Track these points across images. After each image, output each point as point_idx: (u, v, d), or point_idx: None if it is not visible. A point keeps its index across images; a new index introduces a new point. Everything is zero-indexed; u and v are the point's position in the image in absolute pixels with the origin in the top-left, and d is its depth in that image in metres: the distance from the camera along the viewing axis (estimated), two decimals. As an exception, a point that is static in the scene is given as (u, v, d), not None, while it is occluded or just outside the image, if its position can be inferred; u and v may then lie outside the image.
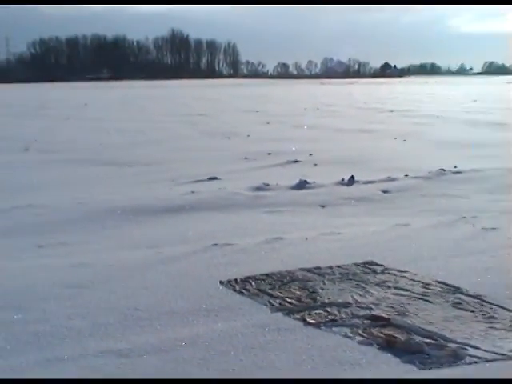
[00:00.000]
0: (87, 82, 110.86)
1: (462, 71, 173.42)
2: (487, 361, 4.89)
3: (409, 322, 5.66)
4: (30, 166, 16.58)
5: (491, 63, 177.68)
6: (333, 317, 5.80)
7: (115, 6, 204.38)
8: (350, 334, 5.40)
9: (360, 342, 5.25)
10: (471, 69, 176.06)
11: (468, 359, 4.91)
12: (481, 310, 5.96)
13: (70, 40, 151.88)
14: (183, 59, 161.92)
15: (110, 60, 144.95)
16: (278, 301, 6.21)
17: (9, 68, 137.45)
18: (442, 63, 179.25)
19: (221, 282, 6.72)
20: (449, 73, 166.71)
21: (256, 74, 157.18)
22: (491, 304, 6.10)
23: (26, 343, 5.25)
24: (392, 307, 6.04)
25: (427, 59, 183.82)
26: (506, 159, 16.05)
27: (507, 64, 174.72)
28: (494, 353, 5.01)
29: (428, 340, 5.22)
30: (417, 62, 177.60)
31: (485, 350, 5.05)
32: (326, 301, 6.21)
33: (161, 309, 5.97)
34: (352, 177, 13.15)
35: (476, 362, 4.86)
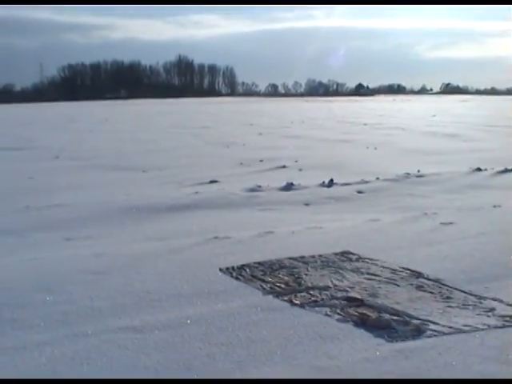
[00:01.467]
0: (107, 101, 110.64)
1: (424, 91, 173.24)
2: (444, 334, 4.89)
3: (379, 302, 5.65)
4: (60, 171, 16.56)
5: (448, 84, 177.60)
6: (315, 298, 5.79)
7: (133, 36, 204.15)
8: (329, 313, 5.40)
9: (338, 320, 5.24)
10: (431, 89, 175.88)
11: (428, 333, 4.91)
12: (439, 292, 5.96)
13: (93, 65, 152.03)
14: (188, 81, 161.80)
15: (127, 82, 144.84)
16: (268, 285, 6.20)
17: (42, 89, 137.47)
18: (406, 84, 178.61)
19: (220, 269, 6.71)
20: (412, 92, 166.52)
21: (250, 92, 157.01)
22: (448, 286, 6.10)
23: (57, 321, 5.25)
24: (365, 290, 6.03)
25: (394, 80, 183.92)
26: (460, 164, 16.05)
27: (461, 85, 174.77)
28: (450, 327, 5.01)
29: (395, 317, 5.21)
30: (386, 82, 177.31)
31: (443, 325, 5.05)
32: (310, 285, 6.20)
33: (169, 292, 5.96)
34: (331, 180, 13.14)
35: (435, 336, 4.86)
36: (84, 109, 73.37)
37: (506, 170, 14.92)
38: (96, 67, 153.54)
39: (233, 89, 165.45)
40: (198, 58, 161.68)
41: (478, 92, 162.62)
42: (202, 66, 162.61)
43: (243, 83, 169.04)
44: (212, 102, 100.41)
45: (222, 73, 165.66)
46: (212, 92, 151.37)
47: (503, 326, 5.07)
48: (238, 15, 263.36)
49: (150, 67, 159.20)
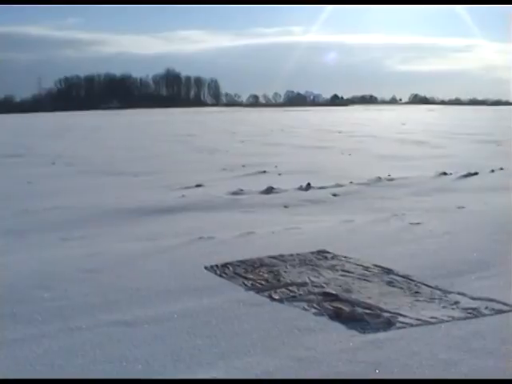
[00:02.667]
0: (101, 111, 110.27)
1: (394, 101, 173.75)
2: (413, 326, 4.91)
3: (353, 297, 5.67)
4: (57, 177, 16.50)
5: (416, 95, 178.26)
6: (293, 294, 5.80)
7: (124, 51, 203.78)
8: (306, 307, 5.41)
9: (314, 313, 5.25)
10: (400, 99, 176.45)
11: (398, 325, 4.93)
12: (408, 287, 5.98)
13: (87, 77, 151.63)
14: (176, 92, 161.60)
15: (119, 93, 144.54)
16: (250, 282, 6.20)
17: (40, 101, 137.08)
18: (378, 95, 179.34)
19: (205, 267, 6.70)
20: (383, 102, 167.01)
21: (233, 103, 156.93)
22: (416, 282, 6.13)
23: (53, 315, 5.23)
24: (340, 286, 6.04)
25: (367, 91, 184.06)
26: (427, 169, 16.12)
27: (428, 96, 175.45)
28: (418, 319, 5.03)
29: (368, 311, 5.23)
30: (359, 93, 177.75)
31: (411, 318, 5.07)
32: (288, 281, 6.20)
33: (158, 288, 5.95)
34: (308, 184, 13.15)
35: (404, 327, 4.88)
36: (79, 118, 73.08)
37: (469, 174, 15.02)
38: (90, 80, 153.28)
39: (217, 99, 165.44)
40: (184, 71, 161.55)
41: (444, 102, 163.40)
42: (188, 78, 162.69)
43: (227, 94, 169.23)
44: (198, 111, 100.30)
45: (207, 84, 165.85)
46: (198, 102, 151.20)
47: (466, 318, 5.10)
48: (222, 31, 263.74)
49: (140, 79, 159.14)
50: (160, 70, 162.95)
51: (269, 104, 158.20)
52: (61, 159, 21.67)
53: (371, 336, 4.72)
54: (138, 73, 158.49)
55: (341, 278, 6.34)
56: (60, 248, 8.01)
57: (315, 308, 5.39)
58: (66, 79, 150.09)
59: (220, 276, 6.43)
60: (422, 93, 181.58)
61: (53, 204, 11.20)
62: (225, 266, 6.78)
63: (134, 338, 4.74)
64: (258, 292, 5.89)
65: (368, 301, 5.54)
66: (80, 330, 4.89)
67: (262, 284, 6.13)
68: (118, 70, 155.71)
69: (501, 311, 5.26)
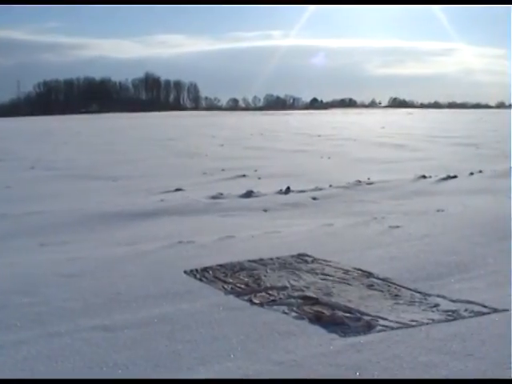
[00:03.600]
0: (80, 115, 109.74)
1: (373, 104, 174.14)
2: (393, 329, 4.93)
3: (333, 300, 5.68)
4: (36, 181, 16.43)
5: (395, 98, 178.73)
6: (273, 298, 5.80)
7: (103, 55, 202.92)
8: (286, 311, 5.41)
9: (295, 317, 5.25)
10: (380, 102, 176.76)
11: (378, 328, 4.94)
12: (388, 290, 6.00)
13: (66, 81, 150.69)
14: (155, 96, 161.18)
15: (98, 97, 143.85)
16: (230, 286, 6.19)
17: (19, 105, 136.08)
18: (357, 98, 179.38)
19: (185, 272, 6.69)
20: (363, 106, 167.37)
21: (213, 107, 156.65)
22: (396, 285, 6.15)
23: (32, 321, 5.20)
24: (320, 289, 6.05)
25: (346, 95, 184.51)
26: (406, 172, 16.20)
27: (407, 99, 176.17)
28: (398, 322, 5.05)
29: (348, 314, 5.24)
30: (338, 97, 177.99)
31: (391, 321, 5.09)
32: (268, 285, 6.20)
33: (137, 293, 5.93)
34: (288, 187, 13.17)
35: (384, 330, 4.90)
36: (58, 122, 72.67)
37: (448, 177, 15.11)
38: (69, 83, 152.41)
39: (197, 103, 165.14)
40: (164, 75, 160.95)
41: (423, 106, 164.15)
42: (167, 82, 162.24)
43: (206, 98, 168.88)
44: (177, 115, 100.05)
45: (186, 88, 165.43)
46: (177, 106, 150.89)
47: (446, 320, 5.12)
48: (202, 35, 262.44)
49: (120, 83, 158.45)
50: (139, 73, 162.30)
51: (248, 108, 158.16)
52: (40, 163, 21.57)
53: (351, 339, 4.73)
54: (117, 77, 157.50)
55: (321, 281, 6.34)
56: (39, 253, 7.98)
57: (295, 312, 5.39)
58: (45, 83, 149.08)
59: (200, 280, 6.42)
60: (402, 96, 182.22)
61: (32, 209, 11.14)
62: (204, 270, 6.77)
63: (114, 342, 4.72)
64: (237, 296, 5.88)
65: (348, 304, 5.55)
66: (59, 336, 4.86)
67: (241, 288, 6.13)
68: (97, 74, 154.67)
69: (480, 313, 5.29)
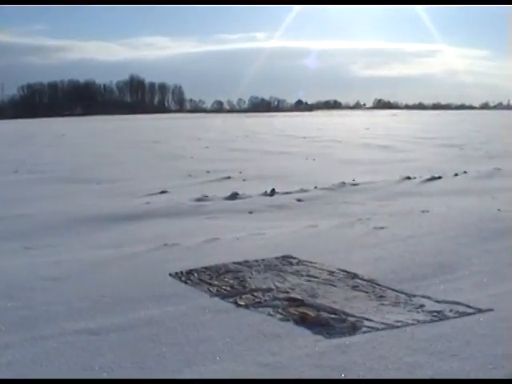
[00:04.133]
0: (64, 118, 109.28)
1: (358, 106, 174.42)
2: (378, 330, 4.94)
3: (318, 301, 5.69)
4: (19, 184, 16.33)
5: (379, 100, 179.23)
6: (258, 299, 5.80)
7: (88, 57, 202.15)
8: (272, 313, 5.41)
9: (280, 319, 5.26)
10: (364, 104, 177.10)
11: (364, 329, 4.96)
12: (373, 291, 6.02)
13: (51, 84, 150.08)
14: (140, 98, 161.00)
15: (83, 100, 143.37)
16: (215, 288, 6.19)
17: (3, 107, 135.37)
18: (342, 100, 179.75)
19: (170, 274, 6.68)
20: (347, 107, 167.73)
21: (197, 109, 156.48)
22: (381, 286, 6.17)
23: (17, 325, 5.18)
24: (305, 291, 6.06)
25: (331, 97, 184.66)
26: (391, 173, 16.26)
27: (392, 101, 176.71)
28: (383, 323, 5.07)
29: (333, 315, 5.25)
30: (323, 99, 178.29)
31: (376, 322, 5.11)
32: (253, 287, 6.21)
33: (122, 296, 5.92)
34: (273, 189, 13.18)
35: (370, 331, 4.91)
36: (42, 125, 72.36)
37: (433, 178, 15.18)
38: (53, 86, 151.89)
39: (181, 105, 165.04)
40: (148, 77, 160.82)
41: (407, 107, 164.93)
42: (152, 85, 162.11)
43: (191, 100, 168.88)
44: (162, 118, 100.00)
45: (171, 90, 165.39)
46: (162, 109, 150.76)
47: (431, 321, 5.15)
48: (186, 37, 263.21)
49: (104, 86, 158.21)
50: (124, 76, 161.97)
51: (233, 110, 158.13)
52: (24, 167, 21.43)
53: (337, 340, 4.74)
54: (101, 79, 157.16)
55: (306, 283, 6.35)
56: (24, 256, 7.93)
57: (280, 313, 5.40)
58: (29, 86, 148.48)
59: (185, 283, 6.41)
60: (386, 98, 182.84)
61: (16, 212, 11.09)
62: (190, 272, 6.76)
63: (99, 346, 4.70)
64: (223, 298, 5.88)
65: (333, 305, 5.56)
66: (44, 340, 4.84)
67: (227, 290, 6.13)
68: (81, 77, 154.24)
69: (465, 314, 5.32)
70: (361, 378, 4.09)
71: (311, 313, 5.32)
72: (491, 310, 5.38)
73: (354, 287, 6.17)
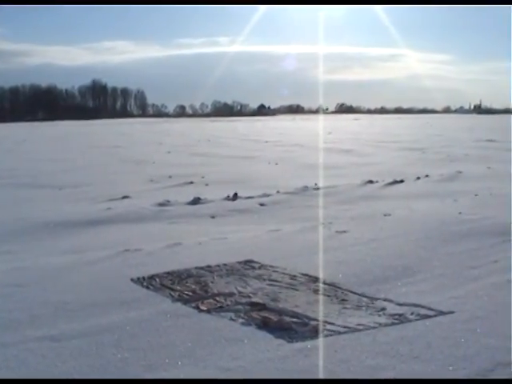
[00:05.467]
0: (26, 123, 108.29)
1: (321, 110, 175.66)
2: (340, 333, 4.97)
3: (280, 306, 5.70)
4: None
5: (342, 104, 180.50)
6: (220, 304, 5.80)
7: (49, 62, 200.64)
8: (234, 318, 5.42)
9: (242, 323, 5.27)
10: (327, 108, 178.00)
11: (326, 333, 4.98)
12: (335, 295, 6.05)
13: (12, 88, 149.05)
14: (102, 103, 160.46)
15: (44, 104, 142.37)
16: (177, 293, 6.18)
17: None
18: (305, 104, 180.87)
19: (132, 280, 6.66)
20: (310, 111, 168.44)
21: (160, 113, 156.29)
22: (343, 289, 6.21)
23: (-25, 333, 5.13)
24: (267, 295, 6.07)
25: (294, 101, 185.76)
26: (353, 177, 16.35)
27: (354, 105, 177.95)
28: (345, 327, 5.10)
29: (295, 319, 5.27)
30: (286, 103, 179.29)
31: (338, 325, 5.14)
32: (215, 292, 6.21)
33: (84, 302, 5.88)
34: (235, 194, 13.18)
35: (332, 335, 4.94)
36: (3, 131, 71.57)
37: (395, 182, 15.30)
38: (15, 91, 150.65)
39: (144, 110, 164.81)
40: (111, 82, 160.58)
41: (370, 111, 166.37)
42: (114, 89, 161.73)
43: (153, 105, 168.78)
44: (124, 122, 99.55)
45: (133, 95, 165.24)
46: (124, 113, 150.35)
47: (393, 324, 5.19)
48: (148, 41, 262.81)
49: (66, 91, 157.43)
50: (86, 81, 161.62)
51: (196, 114, 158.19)
52: (-17, 172, 21.20)
53: (299, 344, 4.76)
54: (63, 84, 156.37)
55: (268, 287, 6.37)
56: (-18, 263, 7.84)
57: (242, 318, 5.40)
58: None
59: (147, 288, 6.39)
60: (349, 102, 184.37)
61: (-26, 218, 10.96)
62: (151, 277, 6.75)
63: (61, 352, 4.67)
64: (185, 303, 5.87)
65: (295, 309, 5.58)
66: (5, 347, 4.79)
67: (189, 295, 6.12)
68: (43, 82, 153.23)
69: (426, 316, 5.37)
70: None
71: (273, 317, 5.34)
72: (452, 312, 5.44)
73: (316, 291, 6.19)
